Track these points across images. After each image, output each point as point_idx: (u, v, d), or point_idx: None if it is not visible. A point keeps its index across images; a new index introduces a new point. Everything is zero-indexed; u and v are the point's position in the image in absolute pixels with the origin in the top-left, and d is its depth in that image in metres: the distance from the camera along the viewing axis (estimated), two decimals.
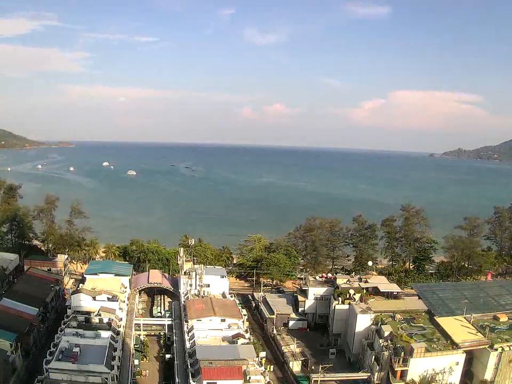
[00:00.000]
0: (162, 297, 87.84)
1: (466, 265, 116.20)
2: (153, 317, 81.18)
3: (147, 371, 65.82)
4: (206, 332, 65.07)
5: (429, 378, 58.64)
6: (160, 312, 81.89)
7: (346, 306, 74.57)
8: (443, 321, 66.69)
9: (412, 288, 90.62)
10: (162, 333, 76.34)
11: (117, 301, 73.36)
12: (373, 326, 67.85)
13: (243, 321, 71.35)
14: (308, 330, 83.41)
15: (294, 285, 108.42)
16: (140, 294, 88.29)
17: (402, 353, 58.68)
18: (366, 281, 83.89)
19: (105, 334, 60.93)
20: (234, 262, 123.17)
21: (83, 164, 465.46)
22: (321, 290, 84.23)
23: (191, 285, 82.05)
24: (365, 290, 77.97)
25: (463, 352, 59.66)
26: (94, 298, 72.63)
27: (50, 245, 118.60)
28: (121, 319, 69.73)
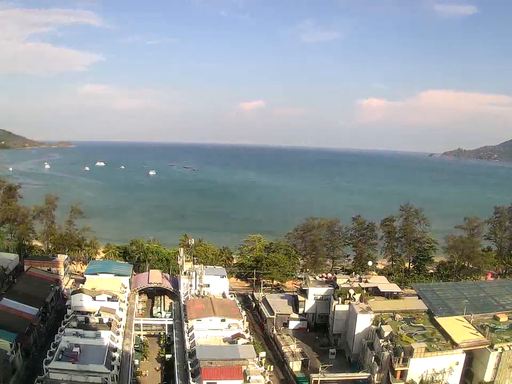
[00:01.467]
0: (162, 297, 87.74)
1: (467, 265, 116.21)
2: (153, 317, 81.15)
3: (147, 371, 65.86)
4: (206, 332, 65.08)
5: (429, 378, 58.69)
6: (160, 312, 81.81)
7: (346, 306, 74.57)
8: (443, 321, 66.73)
9: (411, 288, 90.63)
10: (162, 333, 76.31)
11: (117, 301, 73.35)
12: (373, 326, 67.85)
13: (243, 321, 71.36)
14: (308, 330, 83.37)
15: (294, 285, 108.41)
16: (140, 294, 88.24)
17: (402, 353, 58.72)
18: (366, 281, 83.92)
19: (105, 334, 60.95)
20: (234, 262, 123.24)
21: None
22: (321, 290, 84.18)
23: (191, 285, 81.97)
24: (365, 291, 77.97)
25: (463, 352, 59.71)
26: (94, 298, 72.59)
27: (50, 245, 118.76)
28: (121, 319, 69.72)
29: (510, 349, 59.52)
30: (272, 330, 79.58)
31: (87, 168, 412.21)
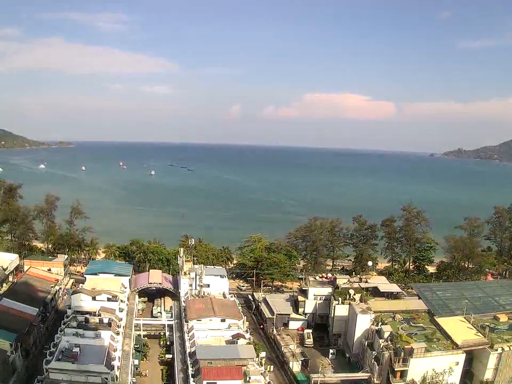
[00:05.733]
0: (162, 297, 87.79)
1: (467, 266, 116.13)
2: (153, 317, 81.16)
3: (147, 371, 65.86)
4: (206, 332, 65.05)
5: (429, 379, 58.66)
6: (160, 313, 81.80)
7: (346, 307, 74.60)
8: (443, 321, 66.72)
9: (412, 288, 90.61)
10: (162, 333, 76.34)
11: (117, 301, 73.33)
12: (373, 326, 67.84)
13: (243, 322, 71.36)
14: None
15: (297, 284, 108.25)
16: (140, 294, 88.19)
17: (402, 353, 58.67)
18: (366, 282, 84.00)
19: (105, 334, 60.86)
20: (235, 262, 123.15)
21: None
22: (321, 291, 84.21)
23: (191, 285, 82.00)
24: (365, 291, 78.01)
25: (463, 352, 59.68)
26: (94, 298, 72.60)
27: (50, 245, 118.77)
28: (121, 319, 69.64)
29: (510, 349, 59.49)
30: (272, 331, 79.59)
31: (84, 168, 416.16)
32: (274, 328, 79.79)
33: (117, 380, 54.61)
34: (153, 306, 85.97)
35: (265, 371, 58.66)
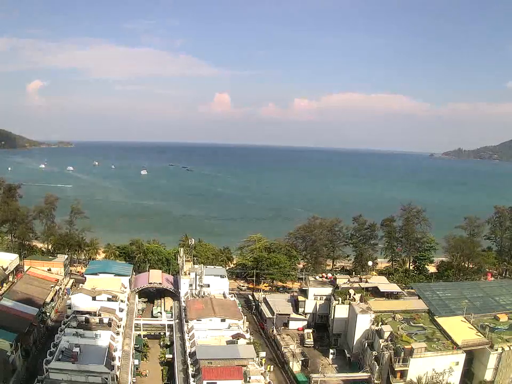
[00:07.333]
0: (162, 297, 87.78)
1: (467, 265, 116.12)
2: (153, 317, 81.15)
3: (147, 371, 65.81)
4: (206, 332, 65.02)
5: (429, 379, 58.66)
6: (161, 313, 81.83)
7: (346, 306, 74.58)
8: (443, 321, 66.76)
9: (412, 288, 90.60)
10: (162, 333, 76.30)
11: (117, 301, 73.28)
12: (373, 326, 67.83)
13: (243, 321, 71.32)
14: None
15: (297, 285, 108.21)
16: (140, 294, 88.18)
17: (403, 353, 58.65)
18: (366, 281, 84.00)
19: (105, 334, 60.82)
20: (234, 262, 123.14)
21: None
22: (321, 290, 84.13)
23: (191, 285, 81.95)
24: (365, 291, 78.02)
25: (463, 352, 59.68)
26: (94, 298, 72.52)
27: (50, 245, 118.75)
28: (121, 319, 69.60)
29: (510, 349, 59.53)
30: (272, 331, 79.56)
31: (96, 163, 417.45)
32: (274, 328, 79.80)
33: (117, 380, 54.60)
34: (153, 306, 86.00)
35: (265, 371, 58.60)
